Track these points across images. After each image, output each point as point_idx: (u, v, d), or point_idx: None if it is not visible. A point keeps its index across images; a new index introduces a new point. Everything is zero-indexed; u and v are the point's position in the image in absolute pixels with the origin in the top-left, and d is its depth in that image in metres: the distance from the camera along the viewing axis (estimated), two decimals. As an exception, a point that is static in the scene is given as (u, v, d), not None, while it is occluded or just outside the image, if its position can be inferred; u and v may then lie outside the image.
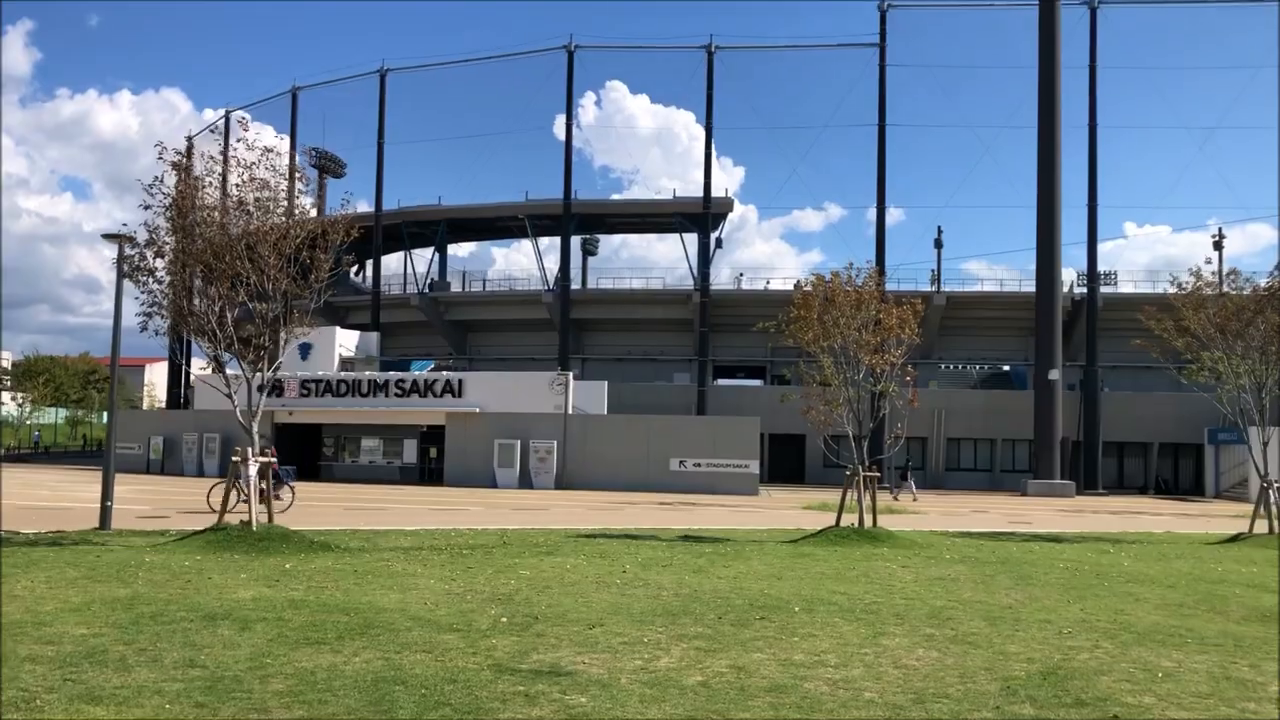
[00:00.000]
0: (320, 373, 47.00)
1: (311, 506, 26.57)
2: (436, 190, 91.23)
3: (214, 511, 17.27)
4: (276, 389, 46.83)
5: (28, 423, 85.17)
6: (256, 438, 15.65)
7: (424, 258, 64.91)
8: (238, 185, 15.30)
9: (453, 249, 70.23)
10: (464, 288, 64.07)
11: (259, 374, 16.01)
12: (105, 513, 17.39)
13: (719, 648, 8.20)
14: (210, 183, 15.38)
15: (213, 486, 22.49)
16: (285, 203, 15.82)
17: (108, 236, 16.79)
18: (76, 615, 8.82)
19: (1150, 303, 27.89)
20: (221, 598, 10.01)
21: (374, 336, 56.06)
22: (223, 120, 69.30)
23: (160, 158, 15.17)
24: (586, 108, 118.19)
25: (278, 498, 18.46)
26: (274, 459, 16.62)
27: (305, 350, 51.89)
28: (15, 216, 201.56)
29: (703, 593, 11.32)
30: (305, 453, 47.38)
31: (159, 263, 15.37)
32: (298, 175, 15.94)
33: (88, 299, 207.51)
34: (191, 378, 66.55)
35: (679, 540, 18.31)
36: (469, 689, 6.59)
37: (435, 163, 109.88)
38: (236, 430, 46.53)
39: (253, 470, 15.11)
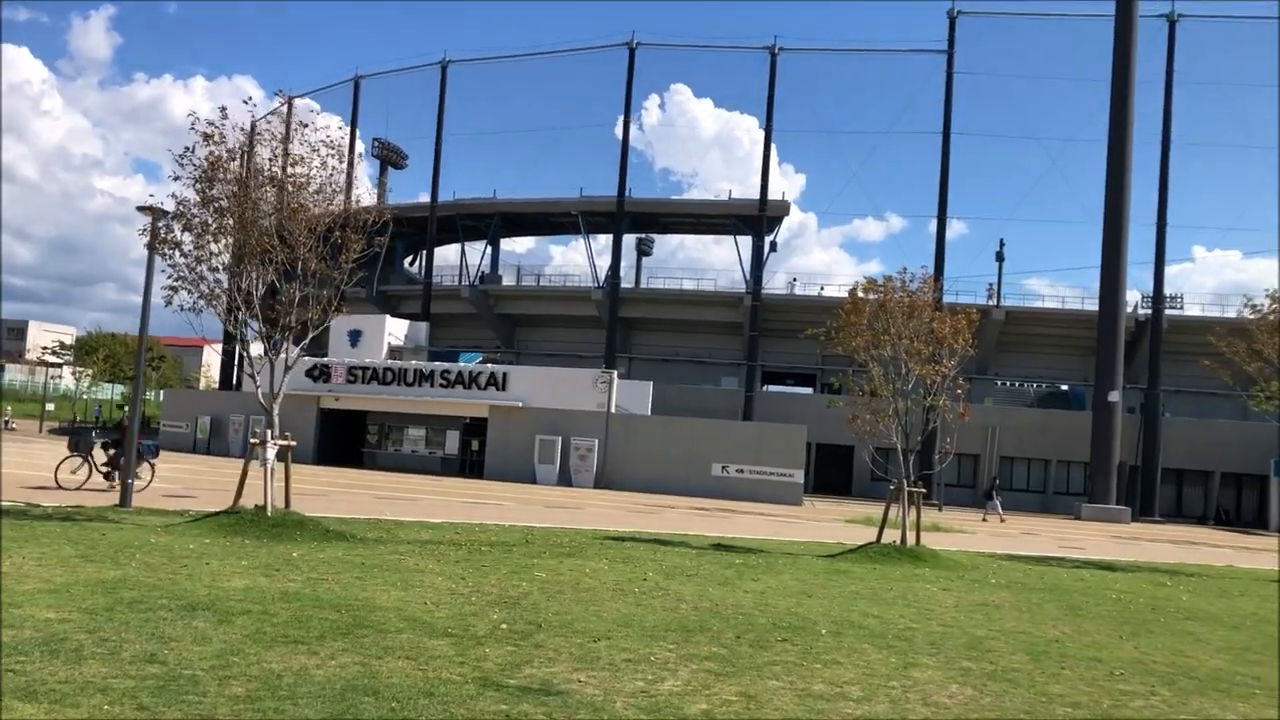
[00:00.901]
0: (368, 360, 46.95)
1: (345, 494, 26.28)
2: (495, 184, 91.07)
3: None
4: (324, 374, 47.12)
5: (83, 397, 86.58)
6: (276, 420, 15.19)
7: (479, 250, 64.82)
8: (270, 159, 14.88)
9: (512, 244, 70.09)
10: (517, 282, 63.76)
11: (282, 355, 15.53)
12: (125, 490, 17.07)
13: (732, 672, 7.48)
14: (240, 154, 14.93)
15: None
16: (323, 179, 15.33)
17: (143, 209, 16.44)
18: (52, 597, 8.33)
19: (1220, 326, 26.69)
20: (212, 585, 9.50)
21: (423, 326, 55.97)
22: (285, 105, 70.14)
23: (193, 128, 14.80)
24: (650, 110, 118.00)
25: (137, 476, 17.86)
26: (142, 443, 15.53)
27: (355, 337, 52.12)
28: (90, 196, 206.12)
29: (724, 608, 10.60)
30: (349, 439, 47.44)
31: (186, 236, 15.01)
32: (336, 153, 15.34)
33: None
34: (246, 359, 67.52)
35: (710, 549, 17.58)
36: (445, 705, 5.95)
37: (494, 157, 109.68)
38: (285, 413, 46.67)
39: (270, 453, 14.65)
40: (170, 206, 15.06)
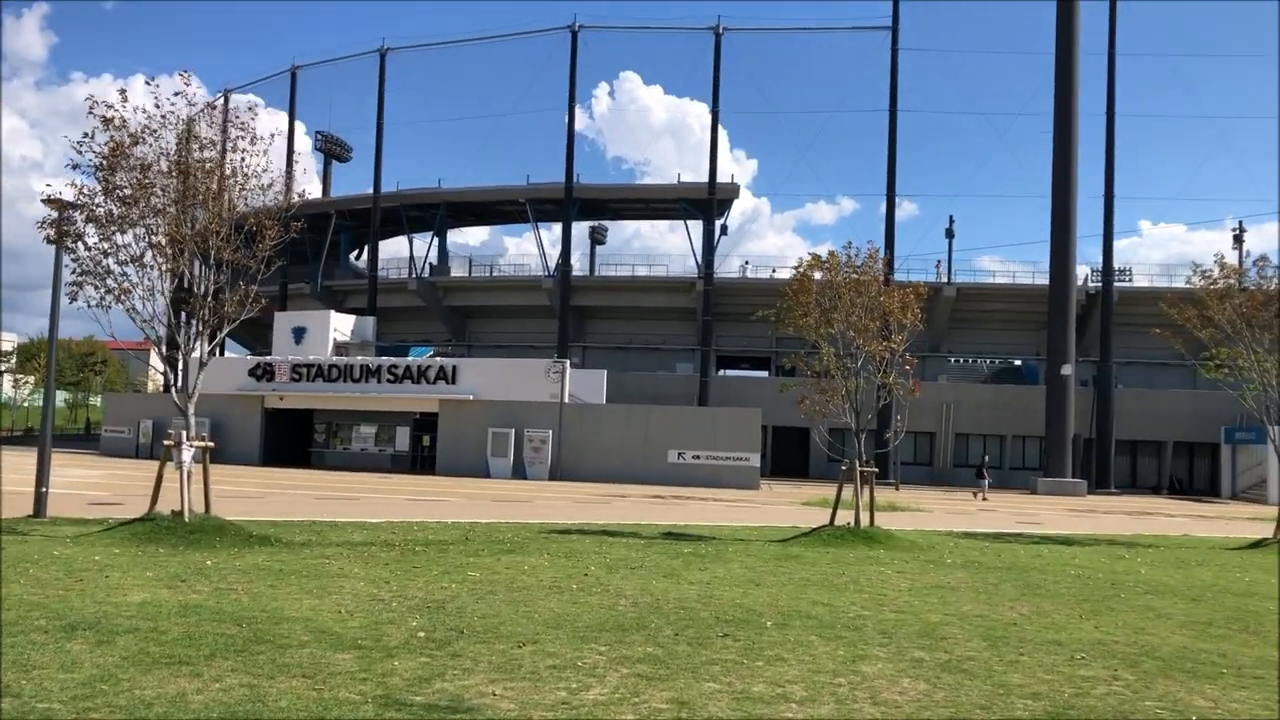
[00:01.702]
0: (312, 357, 45.78)
1: (284, 495, 25.41)
2: (444, 175, 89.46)
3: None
4: (267, 373, 45.92)
5: (24, 405, 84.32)
6: (193, 420, 14.34)
7: (427, 242, 63.70)
8: (178, 146, 13.99)
9: (466, 237, 69.10)
10: (467, 272, 62.69)
11: (195, 350, 14.67)
12: (39, 500, 16.13)
13: (665, 675, 6.88)
14: (148, 141, 13.99)
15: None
16: (234, 164, 14.45)
17: (48, 202, 15.43)
18: (-86, 623, 7.55)
19: (1170, 295, 26.56)
20: (105, 602, 8.72)
21: (370, 321, 54.75)
22: (222, 100, 68.41)
23: (91, 112, 13.87)
24: (600, 98, 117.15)
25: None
26: None
27: (299, 334, 50.89)
28: (30, 199, 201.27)
29: (666, 602, 10.00)
30: (296, 439, 46.31)
31: (89, 228, 14.10)
32: (248, 135, 14.45)
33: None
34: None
35: (659, 538, 17.00)
36: (336, 731, 5.29)
37: (440, 147, 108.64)
38: (229, 414, 45.21)
39: (187, 455, 13.81)
40: (71, 197, 14.09)
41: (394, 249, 69.40)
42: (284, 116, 64.92)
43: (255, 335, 66.88)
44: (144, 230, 13.87)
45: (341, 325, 52.25)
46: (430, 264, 62.33)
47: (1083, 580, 13.43)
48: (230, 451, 44.72)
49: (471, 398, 41.44)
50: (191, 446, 13.92)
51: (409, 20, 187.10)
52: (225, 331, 14.98)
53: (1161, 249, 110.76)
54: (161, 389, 79.79)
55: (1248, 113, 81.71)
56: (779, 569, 13.08)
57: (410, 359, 44.98)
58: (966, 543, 18.87)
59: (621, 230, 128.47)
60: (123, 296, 14.13)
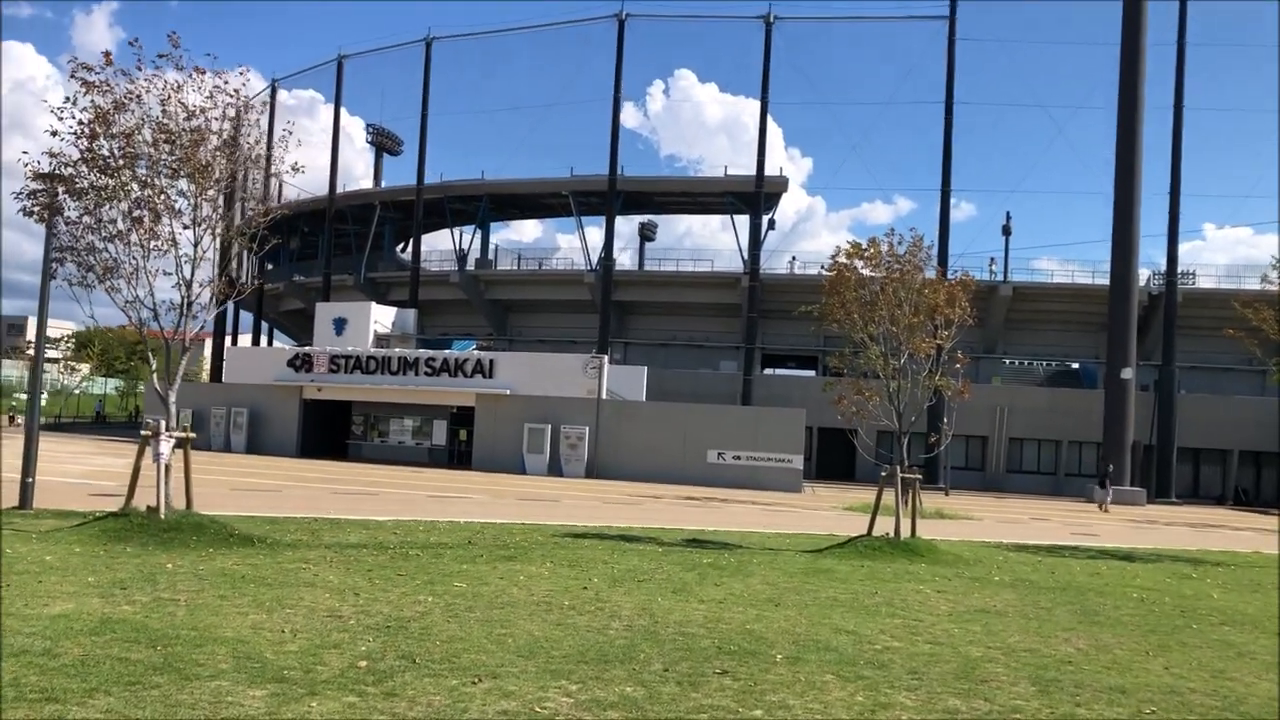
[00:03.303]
0: (350, 348, 45.11)
1: (304, 489, 24.59)
2: (491, 167, 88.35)
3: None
4: (306, 364, 45.32)
5: (75, 392, 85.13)
6: (174, 408, 13.37)
7: (471, 235, 62.99)
8: (163, 113, 13.00)
9: (519, 233, 68.48)
10: (514, 266, 61.82)
11: (181, 330, 13.66)
12: (25, 490, 15.28)
13: (639, 726, 5.67)
14: (131, 108, 13.04)
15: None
16: (228, 133, 13.47)
17: (41, 176, 14.55)
18: None
19: (1239, 298, 24.91)
20: (18, 613, 7.69)
21: (411, 314, 54.02)
22: (269, 91, 68.23)
23: (74, 76, 12.95)
24: (655, 96, 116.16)
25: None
26: None
27: (340, 325, 50.27)
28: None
29: (665, 625, 8.77)
30: (334, 431, 45.74)
31: (70, 201, 13.18)
32: (238, 101, 13.44)
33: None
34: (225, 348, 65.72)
35: (680, 545, 15.76)
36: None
37: (488, 138, 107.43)
38: (267, 404, 44.78)
39: (165, 447, 12.84)
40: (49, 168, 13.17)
41: (441, 242, 68.89)
42: (337, 109, 64.49)
43: (300, 326, 66.78)
44: (127, 205, 12.92)
45: (382, 317, 51.58)
46: (476, 257, 61.57)
47: (1147, 606, 11.98)
48: (268, 442, 44.34)
49: (509, 392, 40.51)
50: (170, 438, 12.95)
51: (471, 13, 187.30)
52: (212, 314, 13.98)
53: (1227, 253, 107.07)
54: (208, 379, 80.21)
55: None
56: (804, 585, 11.79)
57: (447, 352, 44.09)
58: (1017, 557, 17.40)
59: (674, 229, 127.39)
60: (106, 275, 13.23)
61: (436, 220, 63.19)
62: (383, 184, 70.22)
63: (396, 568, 11.29)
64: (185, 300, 13.40)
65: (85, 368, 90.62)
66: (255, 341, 70.98)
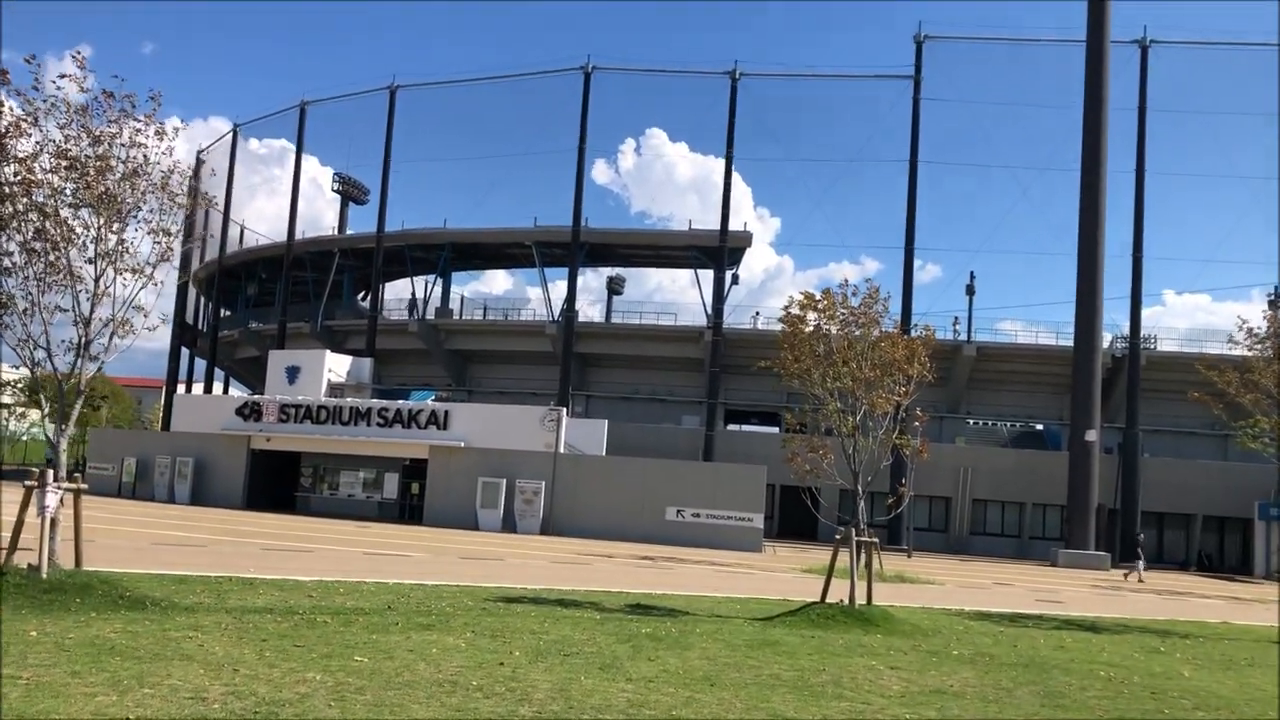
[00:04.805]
0: (301, 397, 43.82)
1: (233, 544, 23.33)
2: (454, 217, 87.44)
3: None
4: (255, 412, 43.94)
5: (22, 439, 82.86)
6: (64, 457, 12.30)
7: (432, 285, 62.08)
8: (65, 137, 12.09)
9: (489, 284, 67.53)
10: (479, 316, 60.82)
11: (76, 372, 12.62)
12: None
13: None
14: (28, 131, 12.14)
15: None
16: (137, 163, 12.54)
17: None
18: None
19: (1203, 361, 24.58)
20: None
21: (367, 362, 52.90)
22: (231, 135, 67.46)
23: (-33, 96, 12.01)
24: (626, 153, 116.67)
25: None
26: None
27: (293, 374, 48.99)
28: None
29: (582, 711, 7.78)
30: (283, 483, 44.26)
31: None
32: (147, 127, 12.54)
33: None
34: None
35: (621, 611, 14.76)
36: None
37: (452, 189, 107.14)
38: (213, 454, 43.19)
39: (51, 499, 11.76)
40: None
41: (405, 291, 67.85)
42: (308, 156, 63.78)
43: (256, 375, 65.27)
44: (22, 237, 11.95)
45: (337, 366, 50.39)
46: (436, 307, 60.63)
47: (1115, 686, 11.11)
48: (213, 493, 42.79)
49: (463, 444, 39.40)
50: (57, 489, 11.86)
51: (439, 63, 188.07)
52: (109, 358, 12.96)
53: (1187, 318, 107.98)
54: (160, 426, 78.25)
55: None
56: (746, 661, 10.83)
57: (401, 402, 42.95)
58: (978, 626, 16.53)
59: (644, 284, 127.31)
60: (-1, 312, 12.22)
61: (398, 269, 62.35)
62: (348, 232, 69.30)
63: (297, 637, 10.24)
64: (82, 339, 12.39)
65: (34, 414, 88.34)
66: (207, 389, 69.30)
